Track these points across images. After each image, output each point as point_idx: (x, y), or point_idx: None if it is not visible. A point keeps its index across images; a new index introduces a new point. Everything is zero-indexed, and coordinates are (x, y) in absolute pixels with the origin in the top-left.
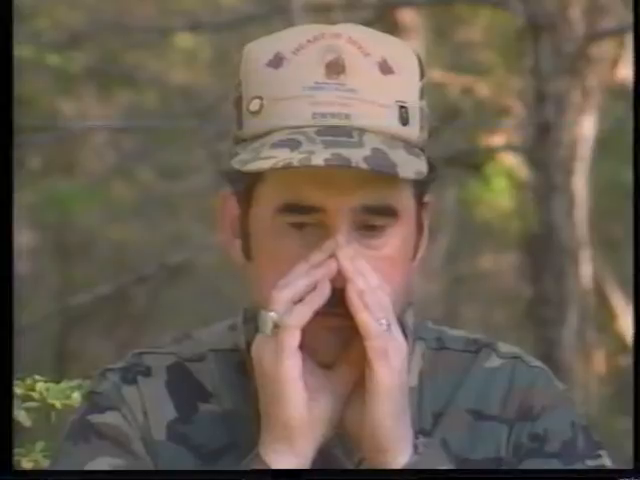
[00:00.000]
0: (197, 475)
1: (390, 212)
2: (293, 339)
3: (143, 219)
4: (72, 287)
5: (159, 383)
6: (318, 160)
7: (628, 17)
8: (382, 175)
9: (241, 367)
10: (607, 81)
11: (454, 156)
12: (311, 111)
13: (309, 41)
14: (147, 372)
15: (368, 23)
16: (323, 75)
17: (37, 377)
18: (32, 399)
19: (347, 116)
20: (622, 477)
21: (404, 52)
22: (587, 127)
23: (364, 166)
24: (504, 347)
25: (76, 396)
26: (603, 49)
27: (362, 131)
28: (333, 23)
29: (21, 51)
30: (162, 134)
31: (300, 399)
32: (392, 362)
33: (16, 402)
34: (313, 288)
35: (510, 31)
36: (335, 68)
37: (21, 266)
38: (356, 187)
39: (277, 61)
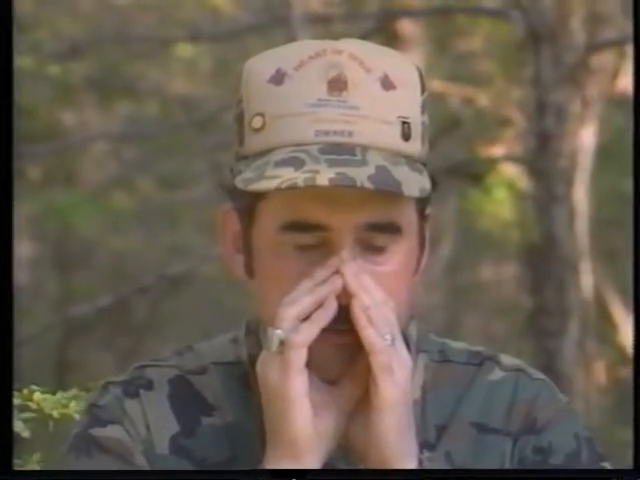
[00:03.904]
0: (197, 475)
1: (394, 229)
2: (300, 357)
3: (143, 229)
4: (72, 298)
5: (161, 396)
6: (323, 180)
7: (628, 27)
8: (387, 193)
9: (243, 380)
10: (607, 91)
11: (454, 166)
12: (314, 128)
13: (311, 57)
14: (149, 385)
15: (368, 34)
16: (325, 92)
17: (34, 387)
18: (29, 409)
19: (350, 133)
20: (622, 477)
21: (405, 67)
22: (587, 137)
23: (369, 186)
24: (506, 360)
25: (73, 406)
26: (603, 59)
27: (365, 148)
28: (333, 34)
29: (22, 61)
30: (162, 144)
31: (306, 417)
32: (397, 377)
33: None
34: (319, 305)
35: (510, 41)
36: (337, 85)
37: (21, 276)
38: (361, 205)
39: (279, 77)
